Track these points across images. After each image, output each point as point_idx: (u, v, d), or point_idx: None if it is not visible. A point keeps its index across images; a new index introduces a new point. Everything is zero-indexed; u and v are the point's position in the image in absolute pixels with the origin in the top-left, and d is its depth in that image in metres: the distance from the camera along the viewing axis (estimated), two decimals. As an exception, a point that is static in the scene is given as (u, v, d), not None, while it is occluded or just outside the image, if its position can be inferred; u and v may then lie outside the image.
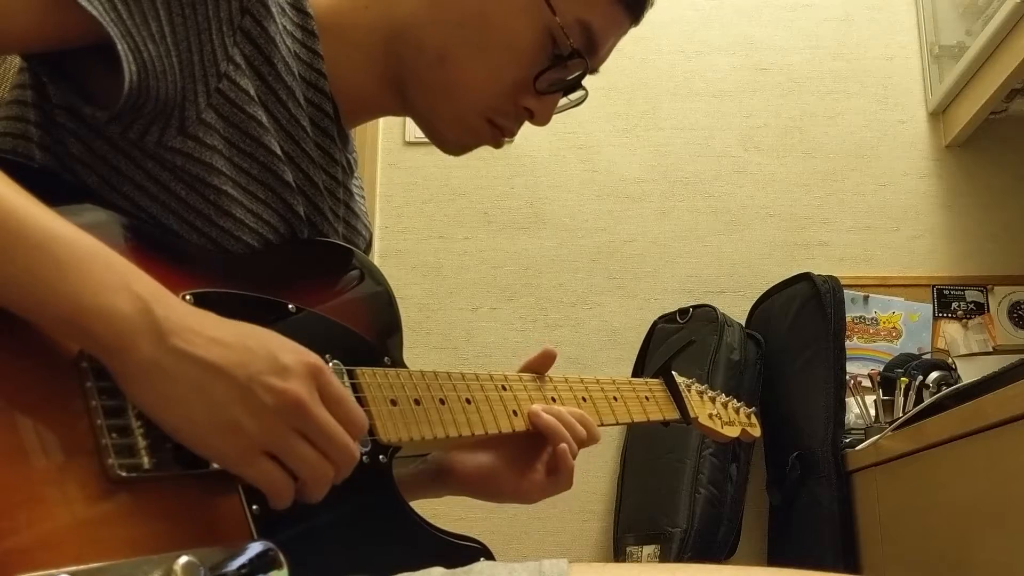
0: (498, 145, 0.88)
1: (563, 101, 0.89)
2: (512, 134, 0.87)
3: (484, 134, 0.85)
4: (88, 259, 0.55)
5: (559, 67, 0.82)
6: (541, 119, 0.85)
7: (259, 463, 0.59)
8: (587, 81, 0.89)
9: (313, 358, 0.62)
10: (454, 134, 0.85)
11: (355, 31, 0.82)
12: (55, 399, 0.55)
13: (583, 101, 0.91)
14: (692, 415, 1.08)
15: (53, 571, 0.49)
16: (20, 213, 0.53)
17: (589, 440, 0.92)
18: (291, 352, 0.61)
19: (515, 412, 0.87)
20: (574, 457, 0.90)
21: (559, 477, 0.90)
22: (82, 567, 0.50)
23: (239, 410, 0.58)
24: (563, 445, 0.88)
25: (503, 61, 0.81)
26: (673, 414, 1.07)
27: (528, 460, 0.91)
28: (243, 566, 0.56)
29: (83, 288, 0.54)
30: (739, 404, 1.21)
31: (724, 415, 1.15)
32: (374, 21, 0.82)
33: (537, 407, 0.90)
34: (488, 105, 0.83)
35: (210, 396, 0.57)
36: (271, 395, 0.59)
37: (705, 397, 1.14)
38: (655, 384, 1.08)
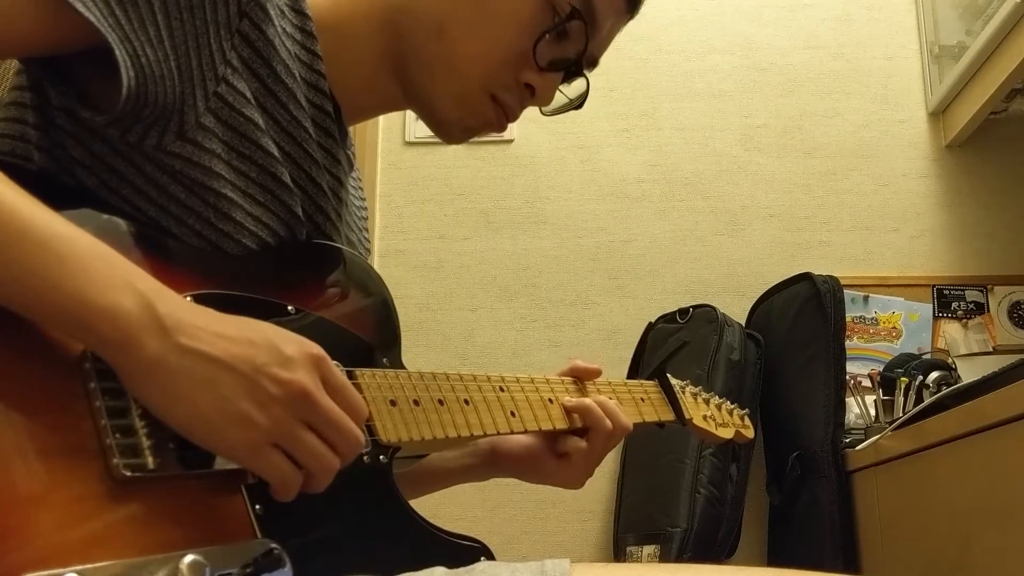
0: (501, 128, 0.87)
1: (564, 101, 0.89)
2: (514, 114, 0.86)
3: (487, 112, 0.84)
4: (90, 257, 0.55)
5: (559, 33, 0.81)
6: (543, 97, 0.84)
7: (268, 455, 0.60)
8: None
9: (314, 348, 0.62)
10: (457, 114, 0.84)
11: (353, 21, 0.82)
12: (59, 400, 0.55)
13: (584, 100, 0.90)
14: (687, 417, 1.09)
15: (59, 570, 0.49)
16: (22, 212, 0.53)
17: (616, 427, 0.94)
18: (293, 343, 0.61)
19: (513, 413, 0.87)
20: (605, 445, 0.93)
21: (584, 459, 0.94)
22: (88, 566, 0.50)
23: (247, 403, 0.58)
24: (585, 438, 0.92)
25: (502, 29, 0.80)
26: (668, 416, 1.07)
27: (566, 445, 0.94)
28: (247, 565, 0.56)
29: (87, 285, 0.54)
30: (732, 406, 1.21)
31: (718, 417, 1.15)
32: (370, 6, 0.82)
33: (571, 400, 0.94)
34: (489, 77, 0.81)
35: (217, 391, 0.57)
36: (277, 386, 0.59)
37: (699, 399, 1.14)
38: (650, 386, 1.08)
